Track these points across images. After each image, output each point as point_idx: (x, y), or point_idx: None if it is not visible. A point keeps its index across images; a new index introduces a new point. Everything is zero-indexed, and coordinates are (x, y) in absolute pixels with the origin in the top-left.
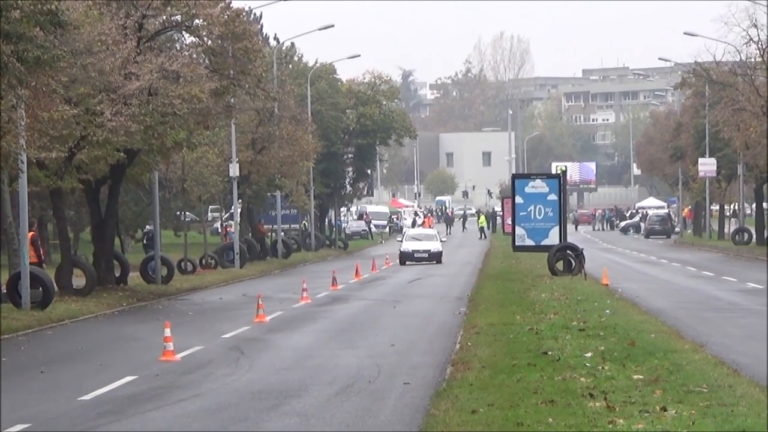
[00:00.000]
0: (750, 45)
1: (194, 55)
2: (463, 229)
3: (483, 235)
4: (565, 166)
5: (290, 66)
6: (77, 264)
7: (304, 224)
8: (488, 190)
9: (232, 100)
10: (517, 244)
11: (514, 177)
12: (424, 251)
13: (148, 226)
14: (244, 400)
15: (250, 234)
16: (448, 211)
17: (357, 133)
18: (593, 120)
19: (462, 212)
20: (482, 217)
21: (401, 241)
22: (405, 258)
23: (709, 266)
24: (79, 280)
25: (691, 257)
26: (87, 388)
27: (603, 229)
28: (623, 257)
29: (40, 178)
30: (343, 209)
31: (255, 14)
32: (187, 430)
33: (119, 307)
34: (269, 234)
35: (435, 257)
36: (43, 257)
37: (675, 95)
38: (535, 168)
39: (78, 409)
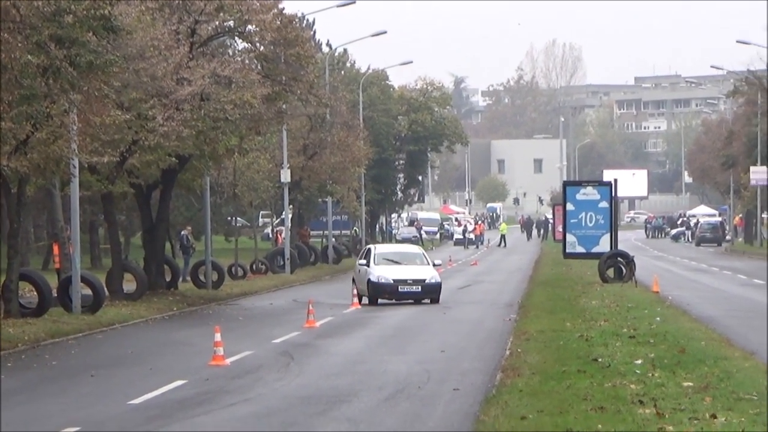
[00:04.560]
0: None
1: (246, 61)
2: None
3: (503, 242)
4: (615, 180)
5: (342, 72)
6: (128, 268)
7: (355, 230)
8: (539, 197)
9: (284, 106)
10: (567, 251)
11: (566, 184)
12: (414, 282)
13: (183, 231)
14: (294, 406)
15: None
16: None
17: (408, 139)
18: (645, 128)
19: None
20: (503, 225)
21: (366, 265)
22: (379, 292)
23: (760, 274)
24: (129, 285)
25: (742, 265)
26: (136, 392)
27: (654, 237)
28: (674, 265)
29: (92, 182)
30: (394, 215)
31: (307, 20)
32: None
33: (169, 312)
34: (320, 239)
35: (432, 291)
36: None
37: (727, 103)
38: (587, 175)
39: (127, 413)
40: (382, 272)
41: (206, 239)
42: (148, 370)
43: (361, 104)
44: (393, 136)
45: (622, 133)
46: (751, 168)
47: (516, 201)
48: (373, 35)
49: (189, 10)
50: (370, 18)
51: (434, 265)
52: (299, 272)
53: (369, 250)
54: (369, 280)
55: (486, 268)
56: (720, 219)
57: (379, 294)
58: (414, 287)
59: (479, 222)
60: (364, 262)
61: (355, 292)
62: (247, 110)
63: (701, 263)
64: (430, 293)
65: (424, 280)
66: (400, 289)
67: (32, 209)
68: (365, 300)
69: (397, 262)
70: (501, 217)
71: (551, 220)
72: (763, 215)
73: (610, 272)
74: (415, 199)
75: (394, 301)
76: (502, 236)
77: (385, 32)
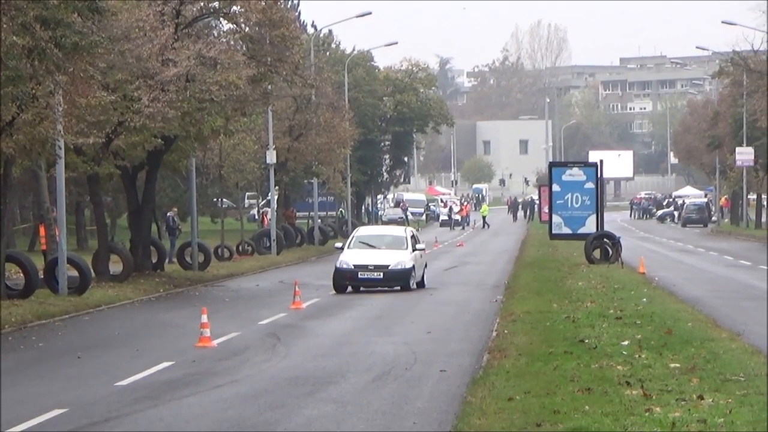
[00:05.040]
0: None
1: (232, 42)
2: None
3: (485, 224)
4: (601, 160)
5: (328, 53)
6: (114, 250)
7: (341, 211)
8: (525, 178)
9: (270, 87)
10: (553, 232)
11: (551, 165)
12: (376, 268)
13: (169, 213)
14: (281, 387)
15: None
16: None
17: (394, 120)
18: (630, 108)
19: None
20: (484, 207)
21: (341, 247)
22: (341, 278)
23: (747, 255)
24: (116, 266)
25: (728, 246)
26: (124, 373)
27: (640, 218)
28: (660, 246)
29: (78, 163)
30: (380, 196)
31: (292, 1)
32: (223, 416)
33: (156, 293)
34: (306, 220)
35: (397, 279)
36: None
37: (713, 84)
38: (572, 156)
39: (115, 394)
40: (346, 257)
41: (192, 220)
42: (135, 352)
43: (346, 85)
44: (378, 117)
45: (607, 114)
46: (737, 149)
47: (502, 182)
48: (357, 16)
49: None
50: None
51: (415, 249)
52: (285, 253)
53: (354, 233)
54: (335, 265)
55: (472, 249)
56: (706, 200)
57: (341, 281)
58: (375, 273)
59: (465, 203)
60: (340, 245)
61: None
62: (232, 91)
63: (687, 244)
64: (394, 280)
65: (387, 266)
66: (360, 276)
67: (18, 190)
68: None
69: (372, 246)
70: (486, 198)
71: (537, 201)
72: (748, 196)
73: (597, 253)
74: (401, 180)
75: (362, 289)
76: (483, 218)
77: (370, 13)
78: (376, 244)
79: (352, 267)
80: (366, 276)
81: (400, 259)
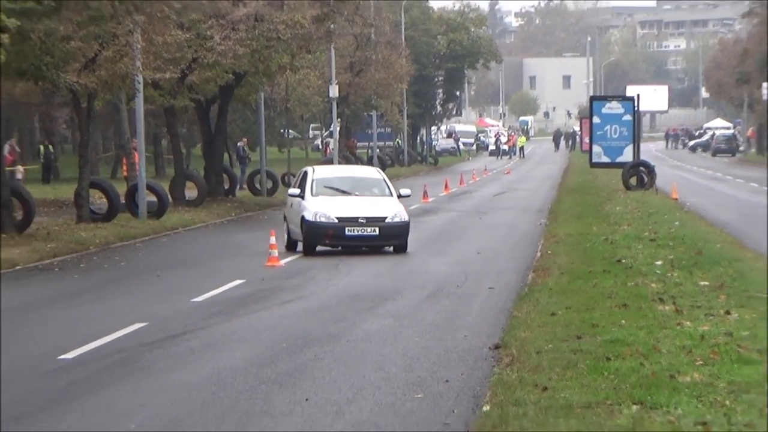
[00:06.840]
0: None
1: None
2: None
3: (522, 154)
4: (638, 95)
5: None
6: (189, 177)
7: (398, 142)
8: (568, 111)
9: (332, 26)
10: (593, 161)
11: (592, 99)
12: (368, 221)
13: (240, 143)
14: (343, 303)
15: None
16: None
17: (447, 57)
18: (665, 46)
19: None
20: (522, 138)
21: (300, 195)
22: (316, 236)
23: None
24: (191, 192)
25: (755, 174)
26: (199, 290)
27: (674, 148)
28: (691, 174)
29: (155, 97)
30: (434, 128)
31: None
32: (291, 329)
33: (228, 217)
34: (366, 150)
35: (397, 235)
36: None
37: (742, 24)
38: (611, 91)
39: (191, 309)
40: (320, 207)
41: (261, 150)
42: (209, 271)
43: (403, 25)
44: (432, 55)
45: (644, 51)
46: (764, 83)
47: (546, 114)
48: None
49: None
50: None
51: (400, 196)
52: None
53: (305, 174)
54: (303, 218)
55: (518, 176)
56: (734, 131)
57: (317, 239)
58: (368, 229)
59: (512, 134)
60: (297, 191)
61: (287, 235)
62: (298, 30)
63: (717, 172)
64: (392, 237)
65: (384, 219)
66: (347, 232)
67: (101, 122)
68: (300, 247)
69: (345, 192)
70: (528, 131)
71: (578, 132)
72: None
73: (633, 180)
74: (453, 113)
75: (339, 248)
76: (521, 148)
77: None
78: (350, 189)
79: (335, 221)
80: (357, 232)
81: (396, 209)
